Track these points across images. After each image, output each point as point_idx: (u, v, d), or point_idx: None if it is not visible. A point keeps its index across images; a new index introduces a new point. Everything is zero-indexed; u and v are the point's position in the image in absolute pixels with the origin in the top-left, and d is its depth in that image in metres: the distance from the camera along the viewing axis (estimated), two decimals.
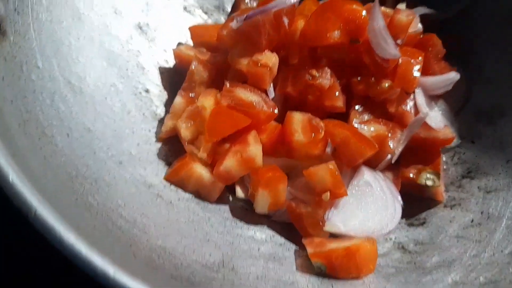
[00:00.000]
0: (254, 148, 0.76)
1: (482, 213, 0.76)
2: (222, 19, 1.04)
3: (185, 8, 1.00)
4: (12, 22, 0.68)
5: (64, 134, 0.68)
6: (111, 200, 0.66)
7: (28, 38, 0.71)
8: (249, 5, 1.01)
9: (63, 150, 0.66)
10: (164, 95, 0.90)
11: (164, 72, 0.92)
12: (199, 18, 1.01)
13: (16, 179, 0.49)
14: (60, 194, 0.57)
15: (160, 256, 0.61)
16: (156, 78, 0.90)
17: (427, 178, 0.80)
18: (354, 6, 0.81)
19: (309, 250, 0.72)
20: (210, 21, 1.02)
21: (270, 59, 0.81)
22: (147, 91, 0.87)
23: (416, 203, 0.82)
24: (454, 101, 0.91)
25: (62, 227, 0.46)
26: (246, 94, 0.79)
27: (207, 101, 0.79)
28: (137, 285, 0.45)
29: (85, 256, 0.45)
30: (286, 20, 0.82)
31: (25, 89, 0.66)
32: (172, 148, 0.83)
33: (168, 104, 0.88)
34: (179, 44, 0.95)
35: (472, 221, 0.76)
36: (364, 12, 0.80)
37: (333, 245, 0.71)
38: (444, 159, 0.87)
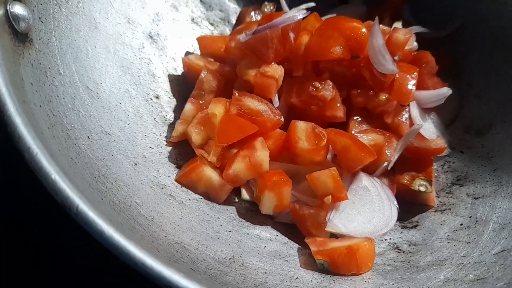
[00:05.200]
0: (262, 154, 0.79)
1: (470, 217, 0.80)
2: (227, 30, 1.08)
3: (192, 20, 1.04)
4: (37, 30, 0.71)
5: (85, 136, 0.72)
6: (130, 199, 0.69)
7: (51, 46, 0.74)
8: (253, 18, 1.05)
9: (86, 151, 0.69)
10: (173, 102, 0.93)
11: (173, 80, 0.95)
12: (206, 29, 1.06)
13: (58, 177, 0.52)
14: (89, 193, 0.60)
15: (178, 251, 0.65)
16: (166, 85, 0.94)
17: (420, 185, 0.84)
18: (355, 24, 0.85)
19: (313, 248, 0.75)
20: (216, 32, 1.07)
21: (277, 71, 0.85)
22: (157, 97, 0.91)
23: (409, 207, 0.85)
24: (446, 114, 0.95)
25: (101, 221, 0.51)
26: (254, 103, 0.82)
27: (217, 108, 0.82)
28: (171, 274, 0.49)
29: (124, 247, 0.49)
30: (292, 35, 0.86)
31: (50, 94, 0.69)
32: (181, 151, 0.86)
33: (176, 110, 0.92)
34: (187, 53, 0.99)
35: (461, 224, 0.80)
36: (364, 30, 0.84)
37: (335, 244, 0.75)
38: (435, 167, 0.91)
